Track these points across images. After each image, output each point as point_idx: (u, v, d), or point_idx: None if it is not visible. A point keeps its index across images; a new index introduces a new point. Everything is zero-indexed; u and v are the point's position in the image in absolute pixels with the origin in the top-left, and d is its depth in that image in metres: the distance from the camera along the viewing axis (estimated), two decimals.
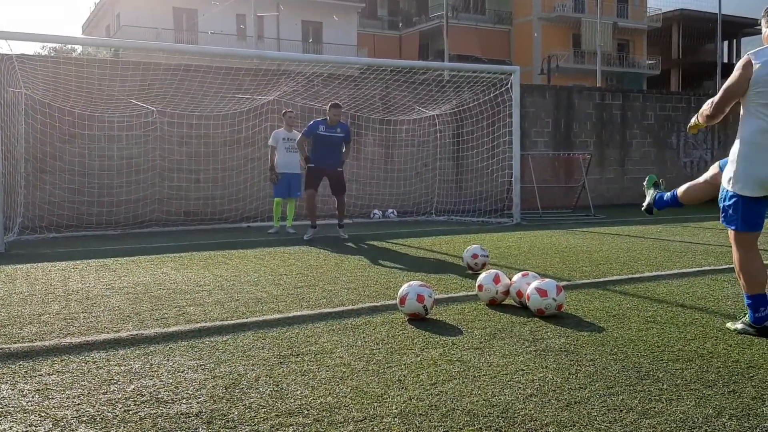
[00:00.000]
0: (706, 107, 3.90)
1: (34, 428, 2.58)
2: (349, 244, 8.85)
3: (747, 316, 3.87)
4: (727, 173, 3.85)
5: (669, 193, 4.51)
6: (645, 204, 4.71)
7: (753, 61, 3.64)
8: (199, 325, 4.22)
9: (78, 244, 9.26)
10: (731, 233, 3.87)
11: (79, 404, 2.83)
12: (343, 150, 9.68)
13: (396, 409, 2.73)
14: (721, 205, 3.91)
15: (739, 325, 3.90)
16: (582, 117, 17.68)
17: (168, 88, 12.28)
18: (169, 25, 37.85)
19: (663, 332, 3.89)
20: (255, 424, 2.59)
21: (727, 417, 2.60)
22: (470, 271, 6.24)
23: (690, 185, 4.40)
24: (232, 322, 4.30)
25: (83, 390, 3.01)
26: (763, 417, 2.60)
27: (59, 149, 11.94)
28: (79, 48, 35.62)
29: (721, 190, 3.92)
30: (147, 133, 12.62)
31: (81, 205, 11.91)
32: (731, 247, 3.91)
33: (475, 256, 6.35)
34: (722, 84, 3.98)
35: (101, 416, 2.69)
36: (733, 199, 3.79)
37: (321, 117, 10.25)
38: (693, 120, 4.18)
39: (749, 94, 3.69)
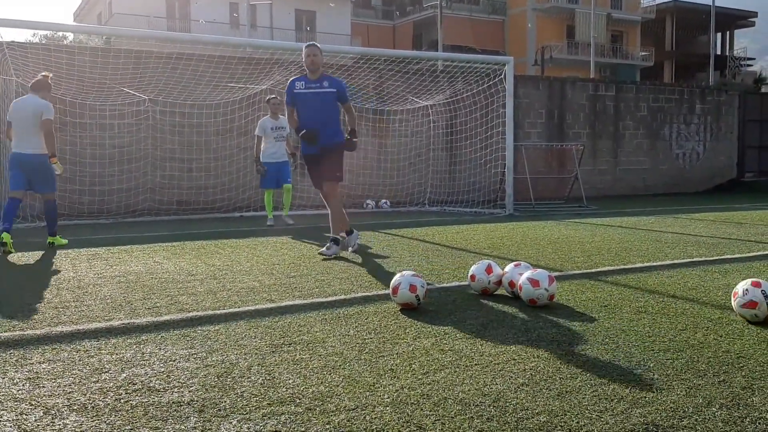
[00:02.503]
0: None
1: (24, 416, 2.57)
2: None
3: None
4: None
5: None
6: None
7: None
8: (191, 314, 4.21)
9: (69, 233, 9.21)
10: None
11: (70, 392, 2.82)
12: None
13: (388, 398, 2.74)
14: None
15: None
16: (575, 108, 17.70)
17: (160, 76, 12.20)
18: (162, 13, 37.63)
19: (654, 323, 3.91)
20: (247, 413, 2.59)
21: (717, 407, 2.62)
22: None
23: None
24: (225, 311, 4.29)
25: (74, 378, 3.00)
26: (752, 407, 2.61)
27: None
28: (70, 35, 35.37)
29: None
30: (139, 122, 12.56)
31: (72, 194, 11.84)
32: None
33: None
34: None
35: (92, 405, 2.68)
36: None
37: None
38: None
39: None
